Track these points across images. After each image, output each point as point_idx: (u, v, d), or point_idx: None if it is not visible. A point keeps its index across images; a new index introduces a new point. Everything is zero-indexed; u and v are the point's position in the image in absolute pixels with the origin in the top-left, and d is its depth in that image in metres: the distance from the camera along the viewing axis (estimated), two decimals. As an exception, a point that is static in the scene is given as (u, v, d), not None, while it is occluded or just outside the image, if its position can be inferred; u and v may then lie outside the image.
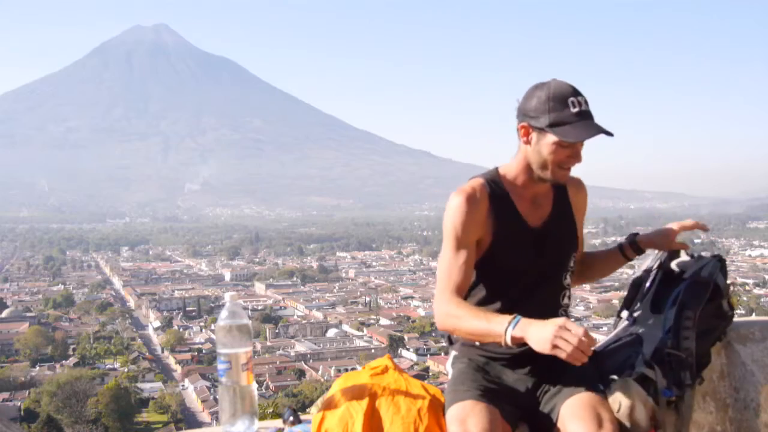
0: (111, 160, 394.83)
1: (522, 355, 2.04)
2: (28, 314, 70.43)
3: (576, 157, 2.05)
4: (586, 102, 2.00)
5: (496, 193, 2.10)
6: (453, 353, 2.21)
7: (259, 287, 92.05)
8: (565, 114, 1.98)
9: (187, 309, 76.01)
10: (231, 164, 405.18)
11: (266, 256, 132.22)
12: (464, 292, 2.05)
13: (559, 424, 1.96)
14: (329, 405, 2.05)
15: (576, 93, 1.99)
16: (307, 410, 2.59)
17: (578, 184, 2.27)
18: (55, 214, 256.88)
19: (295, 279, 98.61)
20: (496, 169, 2.18)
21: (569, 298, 2.20)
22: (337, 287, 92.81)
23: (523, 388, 2.07)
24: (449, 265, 2.06)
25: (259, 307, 75.50)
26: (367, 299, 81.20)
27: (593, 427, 1.88)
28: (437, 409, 2.01)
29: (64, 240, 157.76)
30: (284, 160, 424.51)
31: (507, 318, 1.88)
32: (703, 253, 2.37)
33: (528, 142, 2.06)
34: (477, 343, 2.11)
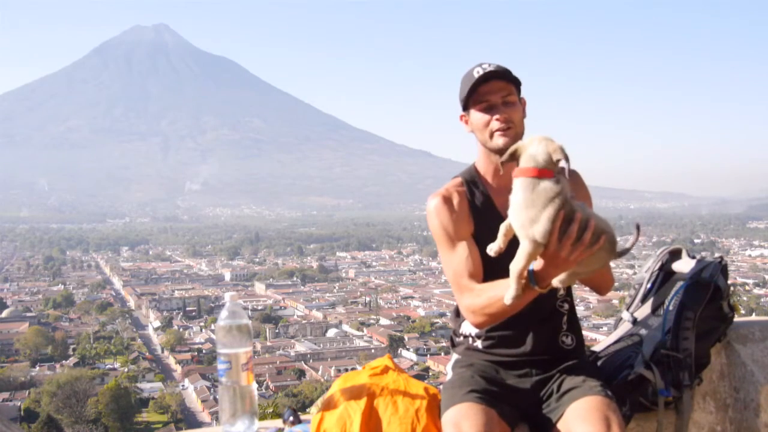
0: (111, 160, 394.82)
1: (526, 357, 2.03)
2: (28, 314, 70.45)
3: (501, 116, 1.99)
4: (496, 66, 2.00)
5: (472, 189, 2.09)
6: (455, 356, 2.19)
7: (259, 287, 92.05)
8: (471, 82, 1.99)
9: (187, 309, 76.02)
10: (231, 164, 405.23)
11: (266, 256, 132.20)
12: (480, 280, 1.99)
13: (564, 426, 1.93)
14: (328, 405, 2.05)
15: (481, 65, 2.00)
16: (307, 410, 2.59)
17: (573, 177, 2.16)
18: (55, 214, 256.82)
19: (295, 279, 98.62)
20: (473, 164, 2.16)
21: (565, 288, 2.07)
22: (337, 287, 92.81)
23: (524, 388, 2.05)
24: (452, 262, 2.02)
25: (259, 307, 75.50)
26: (367, 299, 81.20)
27: (602, 430, 1.84)
28: (436, 409, 2.00)
29: (64, 240, 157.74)
30: (284, 160, 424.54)
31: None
32: (704, 254, 2.38)
33: (472, 131, 2.08)
34: (481, 347, 2.10)
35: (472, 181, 2.11)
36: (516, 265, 1.77)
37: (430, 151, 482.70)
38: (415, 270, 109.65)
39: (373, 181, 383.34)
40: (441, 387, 2.11)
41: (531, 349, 2.05)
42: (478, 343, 2.11)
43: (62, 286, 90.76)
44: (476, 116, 2.03)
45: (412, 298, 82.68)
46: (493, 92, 2.00)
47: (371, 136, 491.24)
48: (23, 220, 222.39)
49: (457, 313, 2.19)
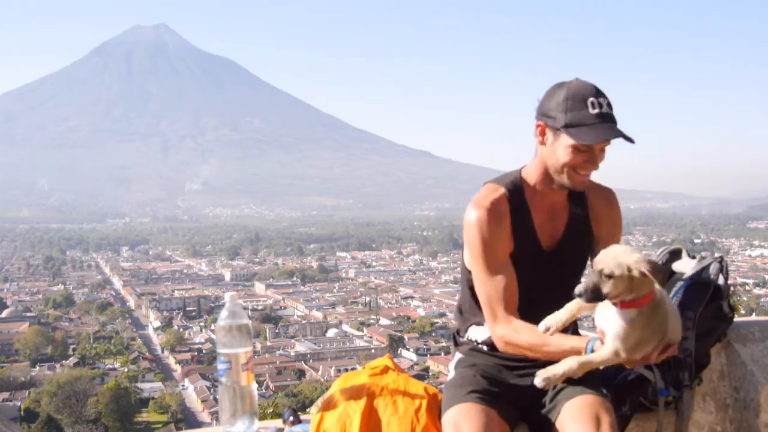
0: (111, 160, 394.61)
1: (530, 360, 1.99)
2: (28, 314, 70.43)
3: (593, 163, 1.91)
4: (609, 104, 1.86)
5: (516, 205, 1.99)
6: (458, 355, 2.17)
7: (259, 287, 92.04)
8: (583, 114, 1.85)
9: (187, 309, 75.98)
10: (231, 164, 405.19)
11: (266, 256, 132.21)
12: (515, 309, 1.95)
13: (559, 425, 1.94)
14: (328, 405, 2.05)
15: (598, 93, 1.86)
16: (307, 410, 2.60)
17: (607, 196, 2.12)
18: (55, 214, 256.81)
19: (295, 279, 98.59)
20: (519, 171, 2.05)
21: None
22: (337, 287, 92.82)
23: (526, 387, 2.03)
24: (489, 286, 1.95)
25: (259, 307, 75.48)
26: (367, 299, 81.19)
27: (591, 430, 1.85)
28: (435, 409, 2.00)
29: (64, 240, 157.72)
30: (284, 160, 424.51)
31: (583, 339, 1.87)
32: (704, 254, 2.38)
33: (543, 143, 1.95)
34: (486, 348, 2.08)
35: (517, 194, 2.00)
36: (587, 361, 1.79)
37: (430, 151, 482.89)
38: (415, 270, 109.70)
39: (373, 181, 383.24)
40: (443, 386, 2.10)
41: None
42: (484, 347, 2.10)
43: (62, 286, 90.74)
44: (566, 147, 1.90)
45: (412, 298, 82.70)
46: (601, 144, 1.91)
47: (371, 136, 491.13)
48: (23, 220, 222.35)
49: (461, 311, 2.18)
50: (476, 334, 2.11)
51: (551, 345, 1.86)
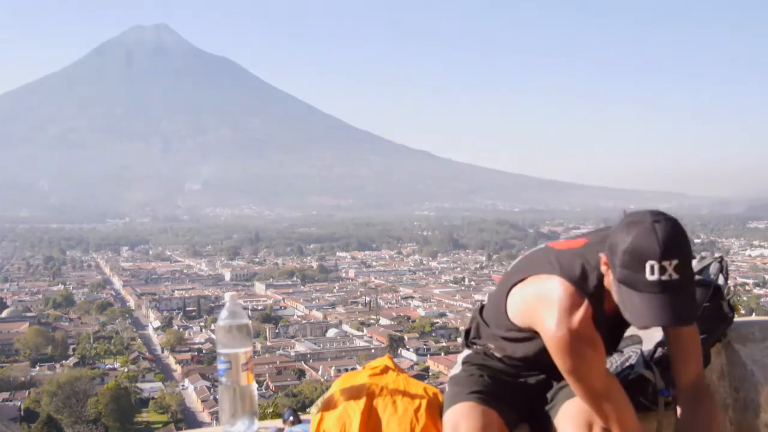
0: (111, 160, 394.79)
1: (536, 360, 1.96)
2: (28, 314, 70.43)
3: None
4: (674, 268, 1.56)
5: (594, 310, 1.75)
6: (468, 352, 2.15)
7: (259, 287, 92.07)
8: (639, 278, 1.58)
9: (187, 309, 75.98)
10: (231, 164, 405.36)
11: (266, 256, 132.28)
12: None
13: (556, 424, 1.94)
14: (328, 405, 2.05)
15: (663, 255, 1.55)
16: (307, 410, 2.59)
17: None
18: (55, 214, 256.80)
19: (295, 279, 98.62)
20: (601, 277, 1.76)
21: None
22: (337, 287, 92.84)
23: (530, 387, 2.03)
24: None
25: (259, 307, 75.48)
26: (367, 299, 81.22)
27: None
28: (435, 409, 2.00)
29: (64, 240, 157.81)
30: (284, 160, 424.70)
31: None
32: (704, 254, 2.38)
33: (606, 273, 1.73)
34: (498, 354, 2.04)
35: (597, 296, 1.77)
36: None
37: (430, 151, 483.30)
38: (415, 270, 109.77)
39: (373, 181, 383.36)
40: (446, 381, 2.09)
41: (548, 363, 1.92)
42: (497, 353, 2.06)
43: (62, 286, 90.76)
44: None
45: (412, 298, 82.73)
46: None
47: (371, 136, 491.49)
48: (23, 220, 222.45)
49: (487, 324, 2.05)
50: (495, 351, 2.06)
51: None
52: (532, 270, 1.83)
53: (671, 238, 1.56)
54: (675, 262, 1.55)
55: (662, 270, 1.55)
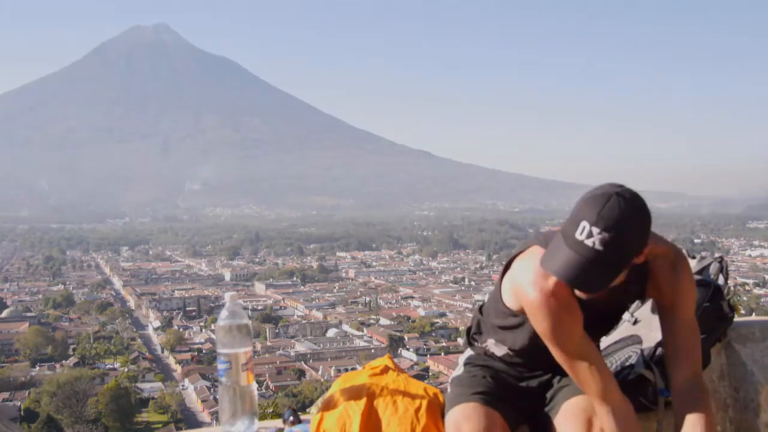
0: (111, 160, 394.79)
1: (538, 360, 1.97)
2: (28, 314, 70.46)
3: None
4: (601, 240, 1.56)
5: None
6: (470, 352, 2.15)
7: (259, 287, 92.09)
8: (570, 232, 1.62)
9: (187, 309, 76.03)
10: (231, 164, 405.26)
11: (266, 256, 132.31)
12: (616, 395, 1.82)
13: (556, 424, 1.94)
14: (328, 405, 2.05)
15: (596, 222, 1.56)
16: (307, 410, 2.59)
17: (672, 262, 1.84)
18: (55, 214, 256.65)
19: (295, 279, 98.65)
20: None
21: None
22: (337, 287, 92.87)
23: (532, 387, 2.04)
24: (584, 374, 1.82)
25: (259, 307, 75.53)
26: (367, 299, 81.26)
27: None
28: (436, 409, 2.00)
29: (64, 240, 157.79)
30: (284, 160, 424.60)
31: None
32: (704, 254, 2.38)
33: None
34: (499, 354, 2.05)
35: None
36: None
37: (430, 151, 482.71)
38: (415, 270, 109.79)
39: (373, 181, 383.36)
40: (447, 381, 2.10)
41: (549, 363, 1.94)
42: (499, 353, 2.07)
43: (62, 286, 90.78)
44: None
45: (412, 298, 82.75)
46: None
47: (371, 136, 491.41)
48: (23, 220, 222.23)
49: (480, 316, 2.08)
50: (495, 348, 2.07)
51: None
52: (522, 246, 1.89)
53: (616, 213, 1.56)
54: (605, 234, 1.55)
55: (589, 234, 1.56)
